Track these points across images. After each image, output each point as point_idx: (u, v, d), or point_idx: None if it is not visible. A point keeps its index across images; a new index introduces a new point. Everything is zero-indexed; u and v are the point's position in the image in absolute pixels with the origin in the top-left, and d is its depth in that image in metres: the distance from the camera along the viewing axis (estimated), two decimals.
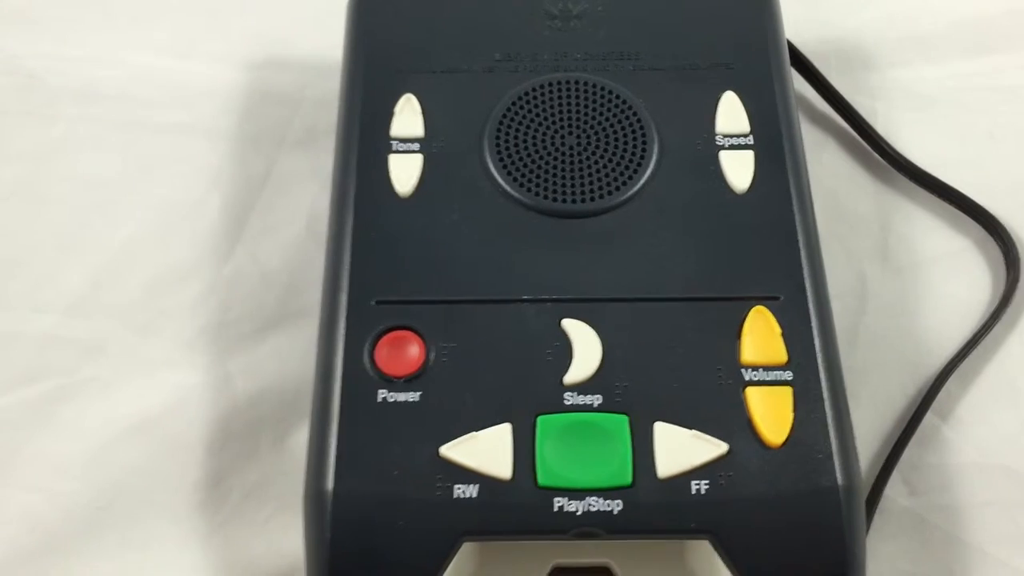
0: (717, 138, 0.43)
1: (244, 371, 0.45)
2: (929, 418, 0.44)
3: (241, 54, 0.55)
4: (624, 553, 0.38)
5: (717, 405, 0.37)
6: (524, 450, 0.36)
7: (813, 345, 0.38)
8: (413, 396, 0.37)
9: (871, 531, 0.41)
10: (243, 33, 0.55)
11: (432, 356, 0.38)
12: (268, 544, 0.41)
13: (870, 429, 0.44)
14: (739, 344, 0.38)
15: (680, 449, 0.36)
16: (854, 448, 0.37)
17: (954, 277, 0.47)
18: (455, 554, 0.35)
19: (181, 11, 0.56)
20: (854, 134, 0.51)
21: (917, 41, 0.55)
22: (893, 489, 0.42)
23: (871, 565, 0.40)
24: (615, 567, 0.38)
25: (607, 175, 0.42)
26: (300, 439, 0.40)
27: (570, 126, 0.43)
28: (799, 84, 0.52)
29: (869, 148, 0.51)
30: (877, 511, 0.41)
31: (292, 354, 0.45)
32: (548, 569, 0.38)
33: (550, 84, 0.44)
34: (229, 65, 0.54)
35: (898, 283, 0.47)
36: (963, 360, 0.44)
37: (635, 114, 0.44)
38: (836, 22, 0.56)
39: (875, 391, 0.45)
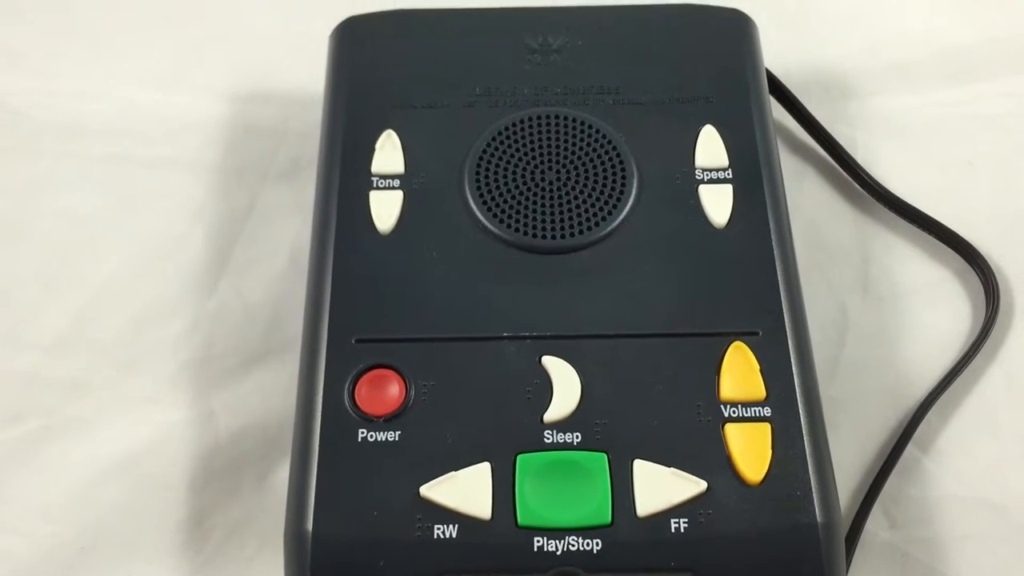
0: (696, 172, 0.43)
1: (227, 407, 0.45)
2: (910, 450, 0.44)
3: (224, 87, 0.55)
4: None
5: (696, 442, 0.37)
6: (504, 489, 0.36)
7: (792, 381, 0.38)
8: (393, 435, 0.38)
9: (852, 564, 0.41)
10: (226, 66, 0.56)
11: (412, 395, 0.38)
12: None
13: (851, 461, 0.44)
14: (718, 380, 0.38)
15: (659, 487, 0.36)
16: (834, 484, 0.37)
17: (934, 308, 0.48)
18: None
19: (165, 45, 0.56)
20: (834, 164, 0.52)
21: (897, 70, 0.55)
22: (874, 522, 0.42)
23: None
24: None
25: (587, 210, 0.42)
26: (283, 476, 0.40)
27: (550, 161, 0.44)
28: (780, 114, 0.52)
29: (849, 178, 0.51)
30: (858, 544, 0.41)
31: (275, 389, 0.45)
32: None
33: (530, 119, 0.44)
34: (213, 98, 0.54)
35: (878, 313, 0.47)
36: (944, 391, 0.44)
37: (615, 149, 0.44)
38: (817, 51, 0.56)
39: (856, 422, 0.45)
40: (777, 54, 0.51)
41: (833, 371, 0.46)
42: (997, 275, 0.47)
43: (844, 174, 0.51)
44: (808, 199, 0.51)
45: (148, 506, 0.43)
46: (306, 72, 0.51)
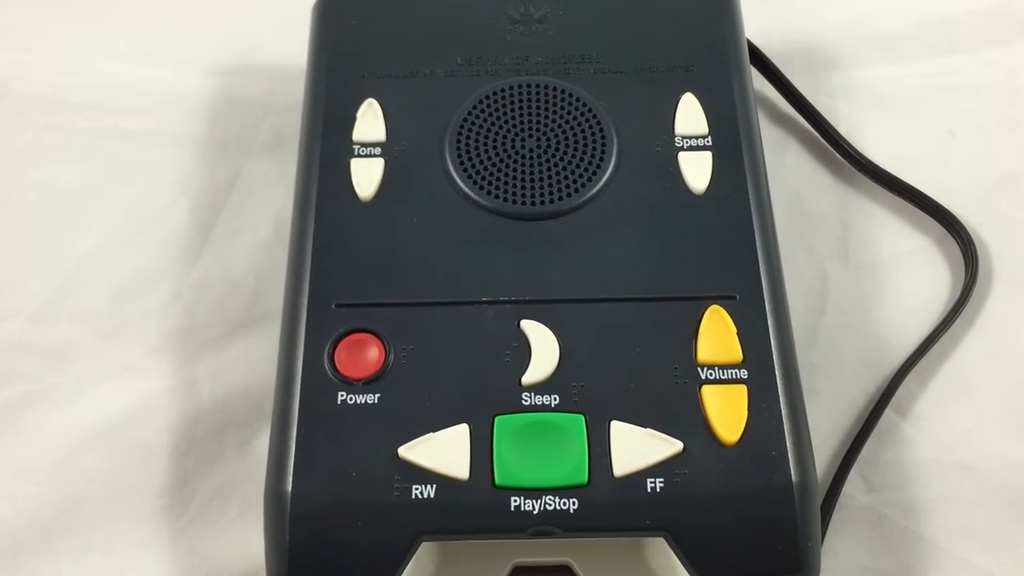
0: (676, 139, 0.44)
1: (210, 376, 0.45)
2: (888, 415, 0.44)
3: (208, 61, 0.55)
4: (584, 552, 0.38)
5: (673, 404, 0.38)
6: (481, 450, 0.37)
7: (769, 344, 0.39)
8: (372, 398, 0.38)
9: (830, 527, 0.41)
10: (210, 40, 0.56)
11: (391, 358, 0.39)
12: (232, 546, 0.42)
13: (830, 426, 0.44)
14: (695, 343, 0.39)
15: (636, 448, 0.37)
16: (809, 445, 0.37)
17: (914, 275, 0.48)
18: (413, 554, 0.35)
19: (148, 18, 0.57)
20: (816, 135, 0.52)
21: (880, 42, 0.55)
22: (852, 486, 0.43)
23: (830, 561, 0.41)
24: (575, 566, 0.38)
25: (567, 177, 0.43)
26: (264, 442, 0.40)
27: (530, 129, 0.44)
28: (763, 86, 0.53)
29: (831, 148, 0.51)
30: (836, 508, 0.42)
31: (258, 358, 0.46)
32: (508, 569, 0.38)
33: (510, 88, 0.45)
34: (196, 72, 0.54)
35: (858, 281, 0.48)
36: (921, 357, 0.45)
37: (595, 117, 0.44)
38: (801, 24, 0.56)
39: (835, 388, 0.45)
40: (760, 26, 0.51)
41: (813, 338, 0.46)
42: (976, 243, 0.47)
43: (826, 145, 0.52)
44: (790, 170, 0.51)
45: (130, 471, 0.43)
46: (291, 46, 0.51)
